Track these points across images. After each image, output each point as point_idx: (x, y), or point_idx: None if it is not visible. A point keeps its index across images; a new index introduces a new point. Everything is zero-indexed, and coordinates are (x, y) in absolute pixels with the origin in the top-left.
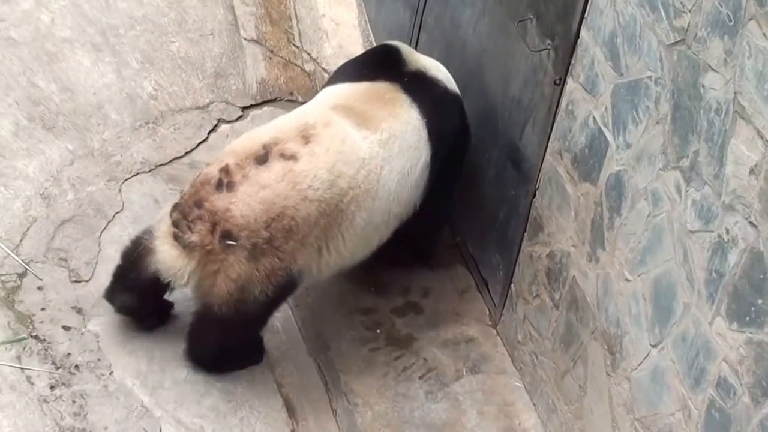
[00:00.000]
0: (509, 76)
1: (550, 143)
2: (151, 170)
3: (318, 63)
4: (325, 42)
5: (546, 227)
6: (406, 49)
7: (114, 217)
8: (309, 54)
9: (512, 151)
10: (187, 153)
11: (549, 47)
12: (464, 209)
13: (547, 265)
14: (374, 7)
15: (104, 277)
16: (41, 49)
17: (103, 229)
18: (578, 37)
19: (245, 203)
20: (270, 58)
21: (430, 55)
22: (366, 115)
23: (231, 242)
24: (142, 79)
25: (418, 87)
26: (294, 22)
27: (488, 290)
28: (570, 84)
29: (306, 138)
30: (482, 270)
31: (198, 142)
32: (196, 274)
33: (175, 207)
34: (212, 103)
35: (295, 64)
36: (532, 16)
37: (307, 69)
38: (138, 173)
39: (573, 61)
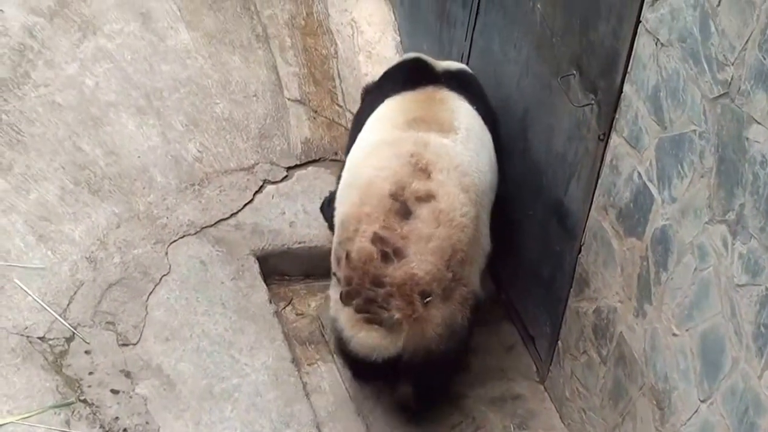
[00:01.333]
0: (553, 132)
1: (595, 198)
2: (197, 232)
3: None
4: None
5: (592, 283)
6: (426, 57)
7: (161, 279)
8: (352, 113)
9: (557, 207)
10: (232, 215)
11: (592, 102)
12: (510, 265)
13: (594, 321)
14: None
15: (151, 340)
16: (86, 114)
17: (150, 292)
18: (621, 92)
19: (422, 261)
20: (314, 118)
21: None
22: (435, 119)
23: (429, 299)
24: (186, 142)
25: (454, 82)
26: (337, 81)
27: (535, 346)
28: (614, 139)
29: (424, 170)
30: (528, 326)
31: (243, 203)
32: (404, 338)
33: (350, 295)
34: (257, 164)
35: (339, 124)
36: (574, 72)
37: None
38: (184, 235)
39: (617, 116)
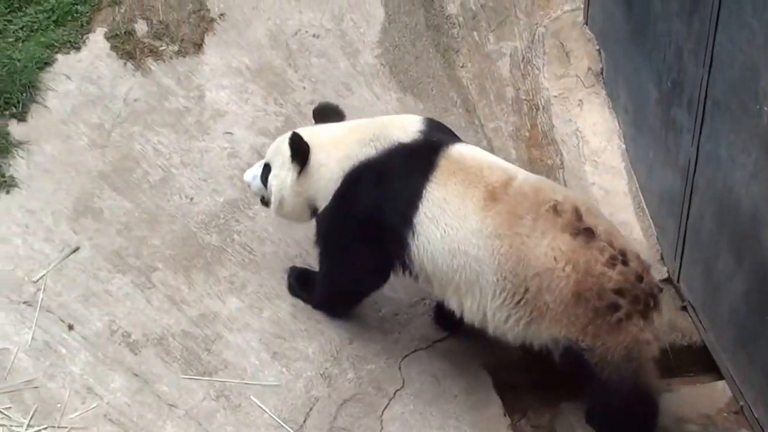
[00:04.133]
0: None
1: None
2: (429, 346)
3: None
4: None
5: None
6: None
7: (395, 394)
8: None
9: None
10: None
11: None
12: (747, 373)
13: None
14: (644, 172)
15: None
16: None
17: (385, 407)
18: None
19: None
20: None
21: (702, 217)
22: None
23: None
24: None
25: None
26: None
27: None
28: None
29: (554, 209)
30: None
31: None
32: None
33: (616, 304)
34: None
35: None
36: None
37: None
38: (416, 350)
39: None
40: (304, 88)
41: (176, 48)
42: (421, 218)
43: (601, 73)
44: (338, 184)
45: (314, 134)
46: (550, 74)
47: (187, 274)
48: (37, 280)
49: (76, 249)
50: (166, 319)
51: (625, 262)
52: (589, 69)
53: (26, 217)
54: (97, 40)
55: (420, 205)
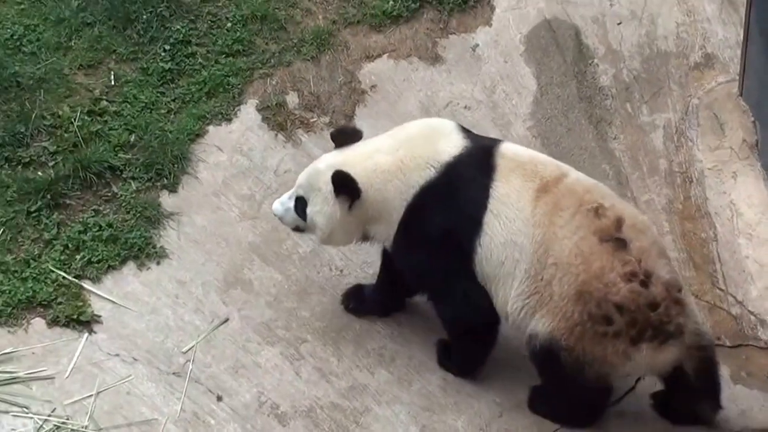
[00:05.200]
0: None
1: None
2: None
3: (744, 306)
4: (750, 284)
5: None
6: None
7: None
8: (734, 297)
9: None
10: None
11: None
12: None
13: None
14: None
15: None
16: None
17: None
18: None
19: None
20: (695, 303)
21: None
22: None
23: None
24: None
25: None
26: (717, 265)
27: None
28: None
29: (596, 211)
30: None
31: (625, 391)
32: None
33: (610, 318)
34: None
35: (721, 308)
36: None
37: (734, 312)
38: None
39: None
40: None
41: (327, 119)
42: (488, 217)
43: (756, 145)
44: (402, 213)
45: (354, 166)
46: (704, 146)
47: (336, 346)
48: (187, 351)
49: (226, 320)
50: (314, 391)
51: (645, 284)
52: (744, 141)
53: (177, 287)
54: (249, 112)
55: (488, 204)
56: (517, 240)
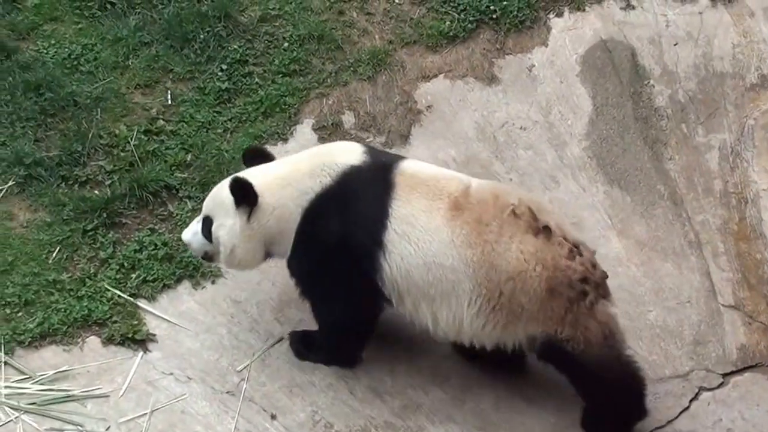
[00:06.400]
0: None
1: None
2: None
3: None
4: None
5: None
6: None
7: None
8: None
9: None
10: (669, 422)
11: None
12: None
13: None
14: None
15: None
16: None
17: None
18: None
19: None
20: (749, 324)
21: None
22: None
23: None
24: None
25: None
26: None
27: None
28: None
29: (513, 213)
30: None
31: (679, 411)
32: None
33: (585, 291)
34: (692, 371)
35: None
36: None
37: None
38: None
39: None
40: (511, 179)
41: (383, 139)
42: (391, 236)
43: None
44: (299, 221)
45: (255, 177)
46: (760, 167)
47: (390, 366)
48: (241, 370)
49: (281, 339)
50: (368, 410)
51: (580, 253)
52: None
53: (231, 307)
54: (305, 132)
55: (388, 224)
56: (444, 262)
